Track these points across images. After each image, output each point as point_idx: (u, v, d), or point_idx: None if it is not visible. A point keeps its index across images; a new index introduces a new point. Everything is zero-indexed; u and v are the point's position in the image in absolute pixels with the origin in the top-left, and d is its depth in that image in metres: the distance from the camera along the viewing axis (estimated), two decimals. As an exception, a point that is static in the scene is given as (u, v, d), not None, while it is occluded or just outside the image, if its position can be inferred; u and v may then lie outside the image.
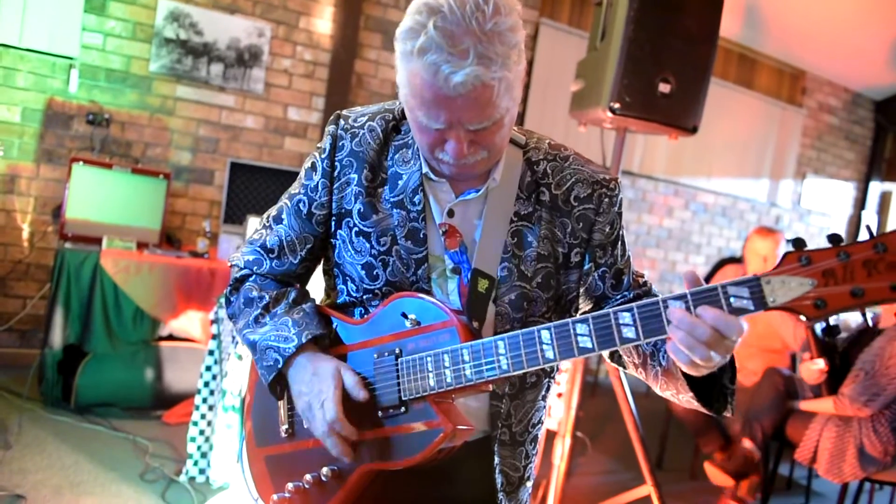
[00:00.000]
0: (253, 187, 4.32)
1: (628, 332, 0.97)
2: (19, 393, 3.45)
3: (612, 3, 2.52)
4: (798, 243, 0.90)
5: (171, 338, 3.65)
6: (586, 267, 1.20)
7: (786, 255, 0.91)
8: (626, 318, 0.97)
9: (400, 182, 1.17)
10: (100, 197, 3.72)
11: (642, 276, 1.27)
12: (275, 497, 1.20)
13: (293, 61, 4.64)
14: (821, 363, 3.28)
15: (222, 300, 2.99)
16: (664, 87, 2.47)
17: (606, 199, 1.18)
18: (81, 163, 3.68)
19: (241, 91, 4.46)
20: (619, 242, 1.22)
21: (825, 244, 0.89)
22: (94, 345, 3.44)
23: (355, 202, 1.18)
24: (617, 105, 2.44)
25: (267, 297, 1.22)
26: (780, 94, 7.03)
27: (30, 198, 3.95)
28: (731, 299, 0.91)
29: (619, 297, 1.22)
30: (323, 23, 4.70)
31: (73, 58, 3.90)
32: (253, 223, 3.11)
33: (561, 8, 5.71)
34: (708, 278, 5.37)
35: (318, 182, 1.21)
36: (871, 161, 8.03)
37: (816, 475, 3.37)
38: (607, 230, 1.19)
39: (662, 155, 6.35)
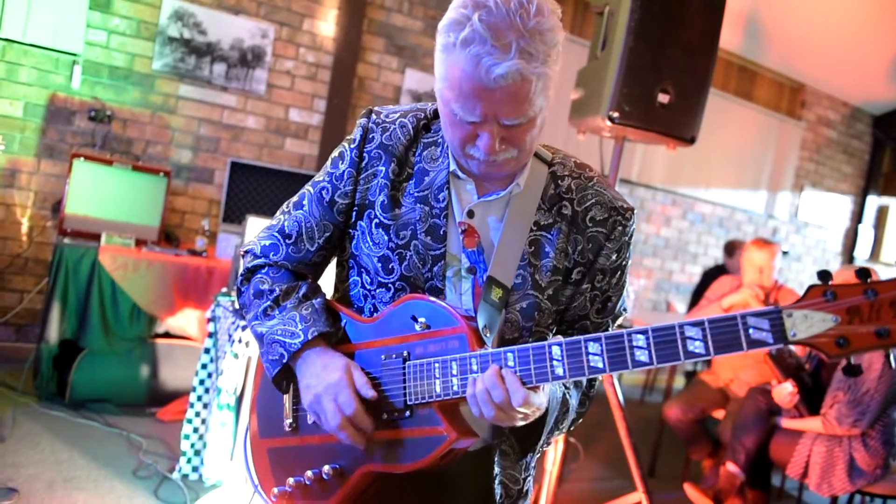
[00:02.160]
0: (253, 187, 4.33)
1: (641, 356, 0.95)
2: (14, 387, 3.45)
3: (613, 12, 2.54)
4: (823, 276, 0.86)
5: (167, 335, 3.65)
6: (582, 287, 1.20)
7: (810, 288, 0.86)
8: (640, 340, 0.95)
9: (426, 178, 1.18)
10: (100, 193, 3.73)
11: (625, 310, 1.28)
12: (275, 490, 1.22)
13: (296, 63, 4.66)
14: (788, 386, 3.26)
15: (219, 298, 3.00)
16: (663, 98, 2.48)
17: (620, 227, 1.19)
18: (82, 159, 3.69)
19: (243, 91, 4.48)
20: (620, 271, 1.22)
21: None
22: (90, 340, 3.45)
23: (379, 194, 1.19)
24: (616, 114, 2.46)
25: (277, 290, 1.22)
26: (780, 107, 7.07)
27: (30, 192, 3.96)
28: (751, 331, 0.88)
29: (599, 320, 1.23)
30: (326, 25, 4.72)
31: (76, 54, 3.91)
32: (252, 223, 3.11)
33: (562, 16, 5.74)
34: (702, 288, 5.37)
35: (344, 171, 1.22)
36: (868, 175, 8.08)
37: (807, 487, 3.38)
38: (613, 257, 1.19)
39: (661, 164, 6.38)
